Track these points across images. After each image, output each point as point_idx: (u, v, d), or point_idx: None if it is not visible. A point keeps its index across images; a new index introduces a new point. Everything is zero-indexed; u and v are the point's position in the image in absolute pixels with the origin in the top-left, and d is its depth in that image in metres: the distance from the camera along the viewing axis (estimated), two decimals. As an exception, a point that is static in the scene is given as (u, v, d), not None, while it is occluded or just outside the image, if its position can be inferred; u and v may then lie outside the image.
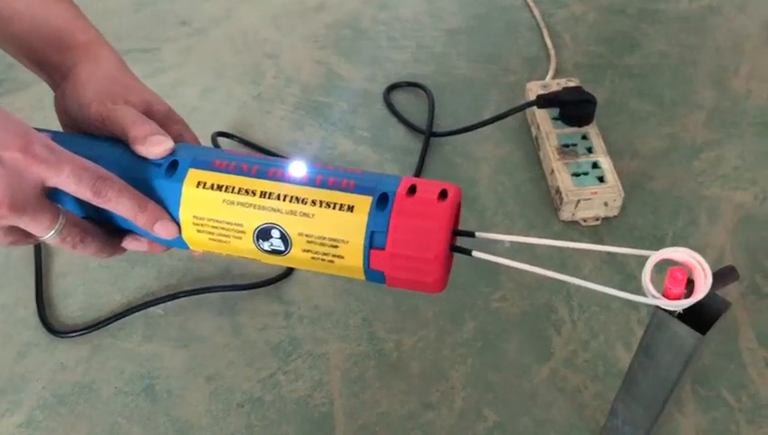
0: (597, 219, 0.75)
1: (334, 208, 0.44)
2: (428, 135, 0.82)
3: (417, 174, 0.80)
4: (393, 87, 0.88)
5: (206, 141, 0.81)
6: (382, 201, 0.43)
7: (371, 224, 0.43)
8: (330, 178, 0.45)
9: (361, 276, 0.45)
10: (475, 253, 0.45)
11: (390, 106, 0.86)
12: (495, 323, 0.68)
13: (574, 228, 0.75)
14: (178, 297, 0.69)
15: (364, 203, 0.43)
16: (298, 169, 0.45)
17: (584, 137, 0.78)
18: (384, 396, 0.64)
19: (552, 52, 0.91)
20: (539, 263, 0.74)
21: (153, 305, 0.69)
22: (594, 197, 0.73)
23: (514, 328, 0.68)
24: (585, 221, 0.75)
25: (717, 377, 0.64)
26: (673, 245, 0.74)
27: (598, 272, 0.71)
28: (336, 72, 0.91)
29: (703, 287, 0.42)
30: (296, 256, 0.45)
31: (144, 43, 0.94)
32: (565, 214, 0.75)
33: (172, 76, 0.91)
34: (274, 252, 0.45)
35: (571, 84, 0.82)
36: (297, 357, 0.66)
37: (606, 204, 0.74)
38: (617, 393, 0.53)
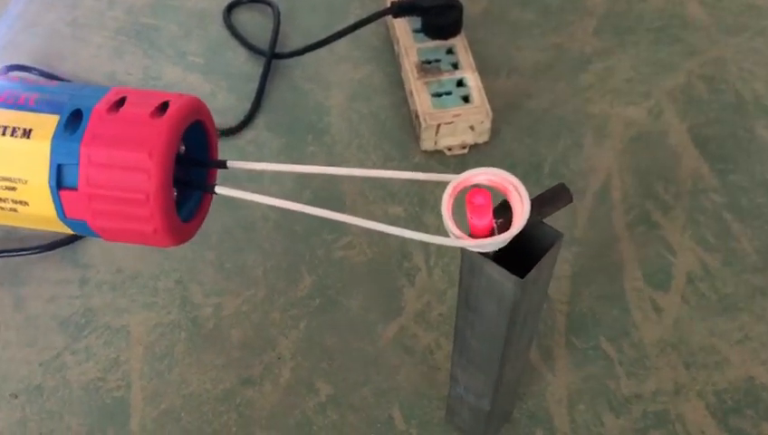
0: (464, 147, 0.63)
1: (5, 135, 0.31)
2: (270, 57, 0.69)
3: (257, 104, 0.67)
4: (235, 4, 0.75)
5: (-1, 77, 0.67)
6: (74, 121, 0.31)
7: (57, 154, 0.31)
8: (3, 92, 0.32)
9: (65, 229, 0.33)
10: (219, 189, 0.33)
11: (231, 27, 0.73)
12: (338, 275, 0.57)
13: (437, 159, 0.63)
14: (-52, 267, 0.57)
15: (47, 125, 0.31)
16: (-37, 83, 0.32)
17: (450, 51, 0.66)
18: (194, 373, 0.52)
19: (424, -43, 0.78)
20: (395, 200, 0.62)
21: None
22: (457, 120, 0.61)
23: (360, 281, 0.57)
24: (450, 150, 0.63)
25: (597, 325, 0.54)
26: (551, 172, 0.63)
27: (461, 207, 0.60)
28: (169, -9, 0.77)
29: (520, 218, 0.31)
30: None
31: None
32: (426, 142, 0.63)
33: (-28, 3, 0.76)
34: (-63, 201, 0.33)
35: (435, -11, 0.70)
36: (90, 332, 0.54)
37: (472, 128, 0.62)
38: (451, 354, 0.43)
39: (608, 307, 0.55)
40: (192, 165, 0.33)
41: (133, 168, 0.30)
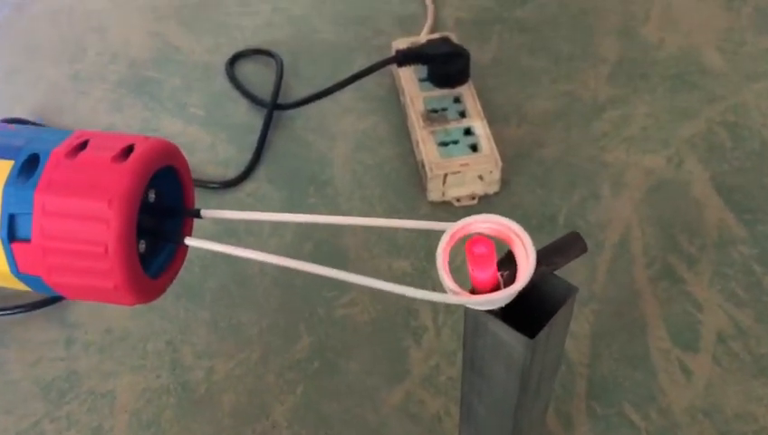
0: (473, 198, 0.60)
1: (-44, 183, 0.28)
2: (272, 108, 0.67)
3: (257, 155, 0.64)
4: (238, 57, 0.73)
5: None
6: (30, 167, 0.28)
7: (8, 203, 0.28)
8: (-42, 138, 0.29)
9: (21, 286, 0.30)
10: (189, 241, 0.30)
11: (233, 79, 0.71)
12: (339, 335, 0.53)
13: (445, 210, 0.60)
14: (-71, 328, 0.54)
15: (1, 171, 0.28)
16: None
17: (457, 100, 0.64)
18: (182, 443, 0.48)
19: (431, 6, 0.76)
20: (400, 253, 0.59)
21: None
22: (465, 169, 0.58)
23: (363, 341, 0.53)
24: (459, 201, 0.60)
25: (620, 389, 0.50)
26: (566, 224, 0.59)
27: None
28: (172, 45, 0.75)
29: (525, 271, 0.28)
30: None
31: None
32: (434, 193, 0.60)
33: (-25, 59, 0.75)
34: None
35: (441, 38, 0.68)
36: (73, 398, 0.50)
37: (481, 178, 0.59)
38: (459, 423, 0.38)
39: (631, 369, 0.50)
40: (162, 214, 0.30)
41: (91, 217, 0.27)
